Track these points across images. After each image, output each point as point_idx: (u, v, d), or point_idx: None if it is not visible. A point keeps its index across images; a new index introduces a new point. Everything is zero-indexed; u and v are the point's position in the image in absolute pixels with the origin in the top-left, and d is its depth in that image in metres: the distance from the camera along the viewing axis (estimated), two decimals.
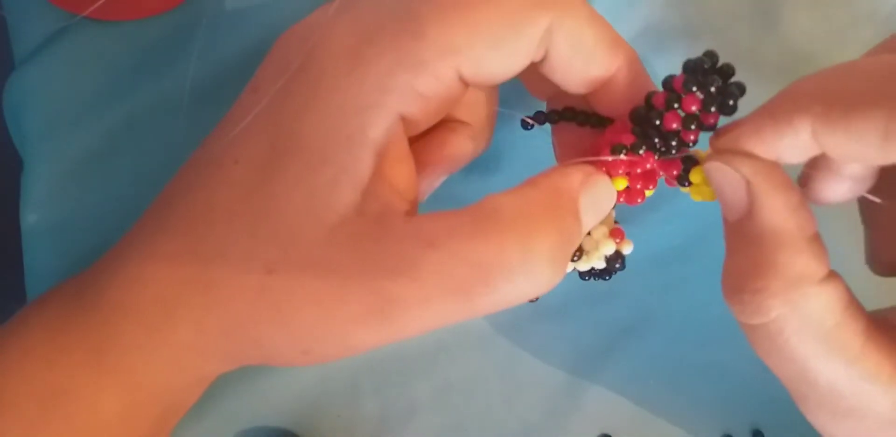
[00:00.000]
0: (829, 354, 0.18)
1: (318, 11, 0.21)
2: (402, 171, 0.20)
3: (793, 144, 0.18)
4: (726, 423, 0.28)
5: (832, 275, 0.19)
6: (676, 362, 0.29)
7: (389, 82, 0.19)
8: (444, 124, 0.23)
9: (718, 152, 0.19)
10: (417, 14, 0.19)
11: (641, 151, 0.20)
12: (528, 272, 0.18)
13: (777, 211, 0.18)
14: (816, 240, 0.19)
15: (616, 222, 0.23)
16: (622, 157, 0.20)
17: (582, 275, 0.23)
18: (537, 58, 0.20)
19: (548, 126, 0.24)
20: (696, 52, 0.29)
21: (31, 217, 0.28)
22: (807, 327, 0.18)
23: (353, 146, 0.19)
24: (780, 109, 0.18)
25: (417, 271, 0.18)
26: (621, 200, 0.21)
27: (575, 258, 0.22)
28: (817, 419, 0.20)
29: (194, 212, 0.20)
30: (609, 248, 0.22)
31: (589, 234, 0.22)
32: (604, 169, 0.21)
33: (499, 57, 0.19)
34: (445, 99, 0.20)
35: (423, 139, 0.23)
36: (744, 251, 0.19)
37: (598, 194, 0.20)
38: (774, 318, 0.19)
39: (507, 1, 0.19)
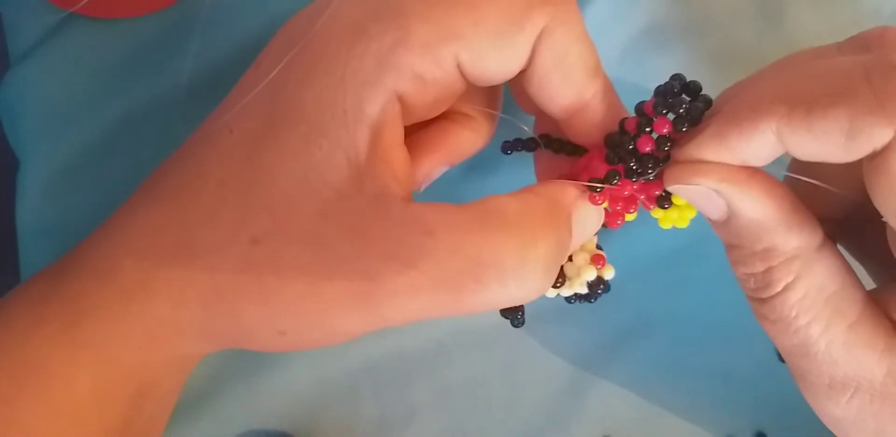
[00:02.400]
0: (829, 319, 0.19)
1: None
2: (397, 155, 0.20)
3: (759, 148, 0.18)
4: (729, 425, 0.28)
5: (827, 243, 0.19)
6: (680, 363, 0.28)
7: (390, 60, 0.19)
8: (445, 115, 0.23)
9: (680, 163, 0.20)
10: (426, 0, 0.19)
11: (616, 182, 0.21)
12: (521, 277, 0.18)
13: (751, 205, 0.19)
14: (799, 210, 0.19)
15: (599, 248, 0.24)
16: (598, 189, 0.21)
17: (567, 298, 0.23)
18: (526, 64, 0.21)
19: None
20: (699, 51, 0.29)
21: (27, 216, 0.28)
22: (811, 293, 0.19)
23: (348, 121, 0.19)
24: (743, 115, 0.18)
25: (412, 258, 0.18)
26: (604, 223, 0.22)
27: (558, 285, 0.22)
28: (816, 396, 0.21)
29: (184, 182, 0.20)
30: (590, 274, 0.22)
31: (570, 260, 0.23)
32: (587, 194, 0.21)
33: (497, 50, 0.20)
34: (443, 88, 0.20)
35: (424, 128, 0.23)
36: (740, 244, 0.20)
37: (588, 213, 0.21)
38: (782, 289, 0.19)
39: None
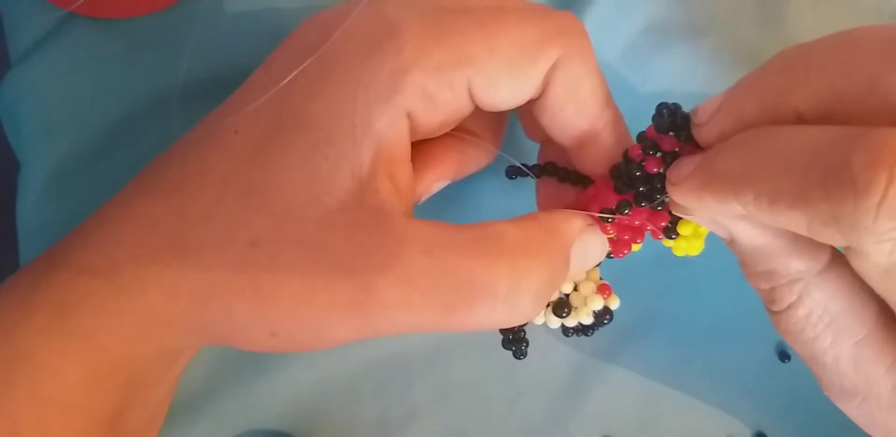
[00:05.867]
0: (835, 336, 0.20)
1: (346, 3, 0.21)
2: (401, 171, 0.20)
3: (732, 211, 0.19)
4: (729, 425, 0.28)
5: (833, 265, 0.19)
6: (679, 364, 0.28)
7: (404, 78, 0.19)
8: (451, 131, 0.23)
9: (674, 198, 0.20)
10: (444, 23, 0.20)
11: (627, 211, 0.21)
12: (511, 303, 0.19)
13: (749, 234, 0.20)
14: (799, 239, 0.19)
15: (600, 278, 0.24)
16: (610, 220, 0.21)
17: (565, 331, 0.24)
18: (536, 94, 0.21)
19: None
20: (699, 51, 0.29)
21: (27, 216, 0.28)
22: (814, 312, 0.20)
23: (356, 135, 0.19)
24: (715, 187, 0.18)
25: (408, 274, 0.18)
26: (608, 252, 0.22)
27: (564, 315, 0.23)
28: (831, 396, 0.22)
29: (184, 177, 0.20)
30: (597, 303, 0.23)
31: (576, 290, 0.23)
32: (597, 222, 0.22)
33: (510, 79, 0.20)
34: (451, 111, 0.20)
35: (429, 142, 0.23)
36: (746, 263, 0.21)
37: (590, 245, 0.21)
38: (786, 307, 0.20)
39: (525, 29, 0.20)
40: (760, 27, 0.30)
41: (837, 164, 0.15)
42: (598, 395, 0.28)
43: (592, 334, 0.24)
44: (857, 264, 0.17)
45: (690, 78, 0.29)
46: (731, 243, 0.21)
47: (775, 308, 0.21)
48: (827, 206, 0.15)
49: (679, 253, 0.22)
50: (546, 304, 0.22)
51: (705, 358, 0.28)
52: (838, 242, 0.16)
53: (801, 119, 0.18)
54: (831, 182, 0.15)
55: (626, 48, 0.29)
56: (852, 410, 0.21)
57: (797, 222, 0.16)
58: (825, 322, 0.20)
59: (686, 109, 0.21)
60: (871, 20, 0.30)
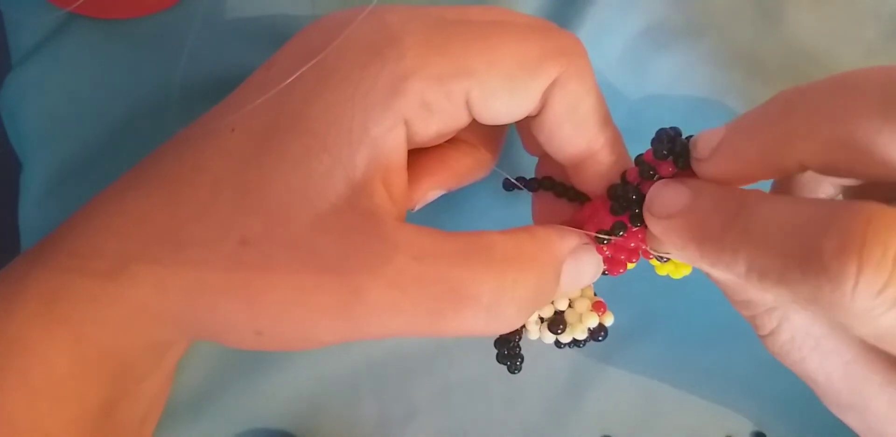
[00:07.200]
0: (824, 357, 0.21)
1: (350, 9, 0.21)
2: (396, 178, 0.20)
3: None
4: (728, 424, 0.28)
5: None
6: (678, 363, 0.29)
7: (402, 86, 0.19)
8: (450, 140, 0.24)
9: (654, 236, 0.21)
10: (446, 33, 0.20)
11: (622, 233, 0.21)
12: (494, 313, 0.19)
13: (716, 274, 0.21)
14: None
15: (594, 295, 0.24)
16: (605, 241, 0.21)
17: (558, 344, 0.24)
18: (534, 111, 0.21)
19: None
20: (699, 51, 0.29)
21: (30, 217, 0.28)
22: (797, 336, 0.21)
23: (352, 141, 0.19)
24: (706, 251, 0.18)
25: (397, 279, 0.19)
26: (604, 269, 0.23)
27: (559, 331, 0.23)
28: (830, 408, 0.22)
29: (178, 173, 0.20)
30: (593, 321, 0.23)
31: (571, 306, 0.23)
32: (592, 242, 0.22)
33: (508, 93, 0.20)
34: (448, 121, 0.21)
35: (427, 151, 0.23)
36: (726, 291, 0.22)
37: (583, 265, 0.22)
38: (770, 331, 0.21)
39: (527, 45, 0.20)
40: (759, 28, 0.30)
41: (811, 248, 0.15)
42: (598, 394, 0.28)
43: (584, 346, 0.24)
44: (848, 328, 0.17)
45: (689, 78, 0.29)
46: (708, 274, 0.21)
47: (760, 333, 0.21)
48: (806, 288, 0.16)
49: (661, 273, 0.22)
50: (532, 315, 0.22)
51: (704, 357, 0.29)
52: (825, 318, 0.17)
53: (803, 168, 0.18)
54: (807, 267, 0.16)
55: (625, 48, 0.30)
56: (851, 422, 0.22)
57: (784, 297, 0.17)
58: (810, 346, 0.20)
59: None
60: (869, 21, 0.30)
